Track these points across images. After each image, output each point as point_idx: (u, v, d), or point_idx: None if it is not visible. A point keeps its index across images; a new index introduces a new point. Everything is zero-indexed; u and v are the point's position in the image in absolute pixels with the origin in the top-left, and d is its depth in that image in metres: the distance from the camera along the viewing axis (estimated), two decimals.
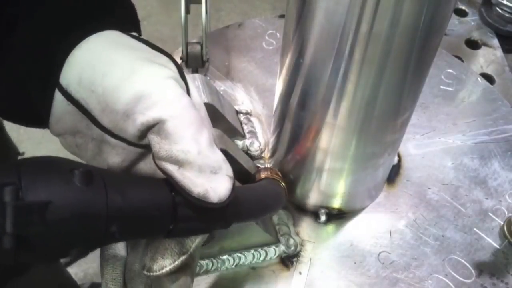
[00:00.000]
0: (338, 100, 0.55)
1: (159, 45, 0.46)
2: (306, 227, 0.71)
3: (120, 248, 0.46)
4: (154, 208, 0.39)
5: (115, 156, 0.44)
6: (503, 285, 0.66)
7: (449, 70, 0.89)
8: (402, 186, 0.75)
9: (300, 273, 0.66)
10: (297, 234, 0.70)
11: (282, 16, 0.94)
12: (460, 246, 0.69)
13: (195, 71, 0.84)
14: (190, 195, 0.40)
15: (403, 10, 0.46)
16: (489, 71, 0.94)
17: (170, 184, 0.40)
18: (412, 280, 0.66)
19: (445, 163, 0.77)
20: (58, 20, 0.44)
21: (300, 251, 0.68)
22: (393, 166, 0.74)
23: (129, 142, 0.42)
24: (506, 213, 0.72)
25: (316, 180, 0.67)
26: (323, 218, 0.70)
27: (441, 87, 0.87)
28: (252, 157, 0.75)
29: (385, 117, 0.58)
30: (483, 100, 0.86)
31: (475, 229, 0.71)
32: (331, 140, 0.60)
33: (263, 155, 0.76)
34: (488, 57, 0.96)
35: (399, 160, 0.77)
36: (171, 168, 0.40)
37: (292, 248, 0.67)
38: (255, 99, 0.83)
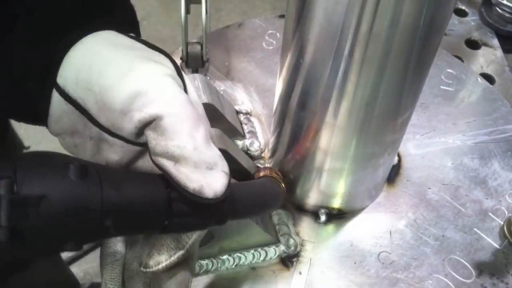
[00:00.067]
0: (338, 100, 0.55)
1: (159, 45, 0.46)
2: (306, 227, 0.71)
3: (119, 247, 0.46)
4: (149, 203, 0.39)
5: (113, 154, 0.44)
6: (503, 285, 0.66)
7: (449, 70, 0.89)
8: (402, 186, 0.75)
9: (300, 273, 0.66)
10: (297, 234, 0.70)
11: (282, 16, 0.94)
12: (460, 246, 0.69)
13: (195, 71, 0.84)
14: (185, 191, 0.40)
15: (403, 10, 0.46)
16: (489, 71, 0.94)
17: (166, 179, 0.41)
18: (412, 280, 0.66)
19: (445, 163, 0.77)
20: (56, 20, 0.44)
21: (300, 251, 0.68)
22: (393, 166, 0.74)
23: (127, 140, 0.43)
24: (506, 213, 0.72)
25: (316, 180, 0.67)
26: (323, 218, 0.70)
27: (441, 87, 0.87)
28: (252, 157, 0.75)
29: (385, 117, 0.58)
30: (483, 100, 0.86)
31: (475, 229, 0.71)
32: (331, 140, 0.60)
33: (263, 155, 0.76)
34: (488, 57, 0.96)
35: (399, 160, 0.77)
36: (167, 164, 0.40)
37: (292, 248, 0.67)
38: (255, 99, 0.83)
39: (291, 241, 0.67)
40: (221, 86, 0.84)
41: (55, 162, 0.35)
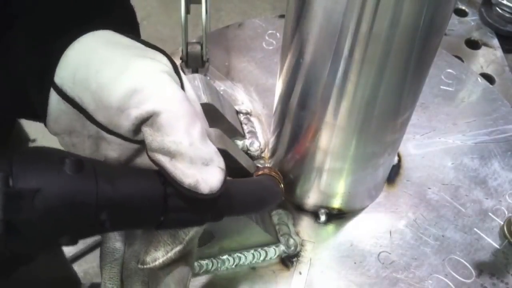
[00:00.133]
0: (338, 100, 0.55)
1: (159, 45, 0.46)
2: (306, 227, 0.71)
3: (118, 247, 0.46)
4: (145, 198, 0.39)
5: (111, 152, 0.44)
6: (503, 285, 0.66)
7: (449, 70, 0.89)
8: (402, 186, 0.75)
9: (300, 273, 0.66)
10: (297, 234, 0.70)
11: (282, 16, 0.94)
12: (460, 246, 0.69)
13: (195, 71, 0.84)
14: (181, 186, 0.40)
15: (403, 10, 0.46)
16: (489, 71, 0.94)
17: (162, 175, 0.41)
18: (412, 280, 0.66)
19: (445, 163, 0.77)
20: (54, 20, 0.44)
21: (300, 251, 0.68)
22: (393, 166, 0.74)
23: (124, 138, 0.43)
24: (506, 213, 0.72)
25: (316, 180, 0.67)
26: (323, 218, 0.70)
27: (441, 87, 0.87)
28: (252, 157, 0.75)
29: (385, 117, 0.58)
30: (483, 100, 0.86)
31: (475, 229, 0.71)
32: (331, 140, 0.60)
33: (263, 155, 0.76)
34: (488, 57, 0.96)
35: (399, 160, 0.77)
36: (163, 159, 0.40)
37: (292, 248, 0.67)
38: (255, 99, 0.83)
39: (291, 241, 0.67)
40: (221, 86, 0.84)
41: (51, 157, 0.35)
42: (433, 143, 0.80)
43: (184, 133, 0.40)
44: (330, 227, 0.71)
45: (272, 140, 0.72)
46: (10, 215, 0.31)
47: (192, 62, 0.83)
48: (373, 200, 0.73)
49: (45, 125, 0.46)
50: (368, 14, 0.46)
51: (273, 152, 0.72)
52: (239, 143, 0.75)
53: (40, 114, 0.44)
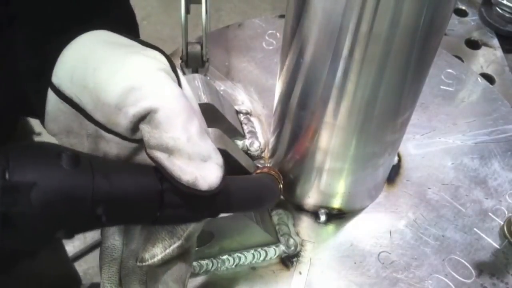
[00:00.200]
0: (338, 100, 0.55)
1: (159, 45, 0.46)
2: (306, 227, 0.71)
3: (116, 246, 0.46)
4: (141, 193, 0.39)
5: (110, 151, 0.44)
6: (503, 285, 0.66)
7: (449, 70, 0.89)
8: (402, 186, 0.75)
9: (300, 273, 0.66)
10: (297, 234, 0.70)
11: (282, 16, 0.94)
12: (460, 246, 0.69)
13: (195, 71, 0.84)
14: (179, 183, 0.40)
15: (403, 10, 0.46)
16: (489, 71, 0.94)
17: (160, 172, 0.41)
18: (412, 280, 0.66)
19: (445, 163, 0.77)
20: (53, 20, 0.44)
21: (300, 251, 0.68)
22: (393, 166, 0.74)
23: (123, 137, 0.43)
24: (506, 213, 0.72)
25: (316, 180, 0.67)
26: (323, 218, 0.70)
27: (441, 87, 0.87)
28: (252, 157, 0.75)
29: (385, 117, 0.58)
30: (483, 100, 0.86)
31: (475, 229, 0.71)
32: (331, 140, 0.60)
33: (263, 155, 0.76)
34: (488, 57, 0.96)
35: (399, 160, 0.77)
36: (161, 156, 0.40)
37: (292, 248, 0.67)
38: (255, 99, 0.83)
39: (291, 241, 0.67)
40: (221, 86, 0.84)
41: (47, 151, 0.35)
42: (433, 143, 0.80)
43: (182, 129, 0.40)
44: (330, 227, 0.71)
45: (272, 140, 0.72)
46: (6, 208, 0.31)
47: (192, 62, 0.83)
48: (373, 200, 0.73)
49: (43, 125, 0.46)
50: (368, 14, 0.46)
51: (273, 152, 0.72)
52: (239, 143, 0.75)
53: (39, 114, 0.44)
